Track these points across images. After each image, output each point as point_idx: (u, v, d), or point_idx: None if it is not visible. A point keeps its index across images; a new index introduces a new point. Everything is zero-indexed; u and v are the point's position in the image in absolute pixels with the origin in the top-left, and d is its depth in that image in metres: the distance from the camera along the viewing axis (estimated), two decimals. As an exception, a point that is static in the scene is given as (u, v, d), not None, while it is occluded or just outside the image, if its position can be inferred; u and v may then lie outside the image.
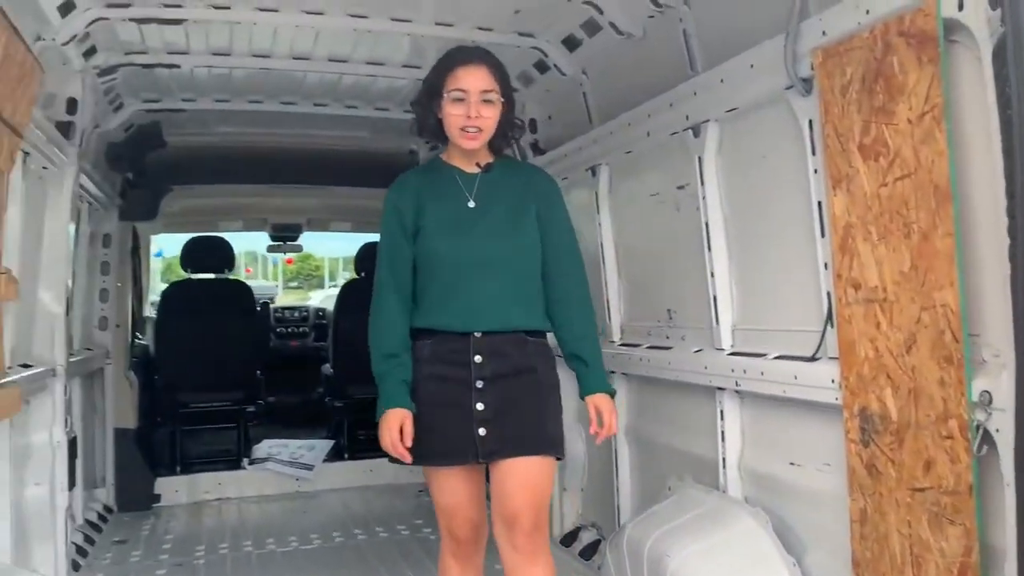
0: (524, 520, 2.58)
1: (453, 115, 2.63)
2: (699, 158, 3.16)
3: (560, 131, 4.36)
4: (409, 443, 2.58)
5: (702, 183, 3.18)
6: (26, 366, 3.58)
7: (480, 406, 2.61)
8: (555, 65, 4.00)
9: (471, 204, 2.69)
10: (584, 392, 2.75)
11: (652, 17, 3.32)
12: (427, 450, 2.62)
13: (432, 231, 2.67)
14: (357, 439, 6.34)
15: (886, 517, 2.36)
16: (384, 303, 2.70)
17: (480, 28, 3.80)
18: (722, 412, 3.16)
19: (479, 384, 2.62)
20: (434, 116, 2.70)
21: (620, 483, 3.97)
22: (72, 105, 3.95)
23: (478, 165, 2.74)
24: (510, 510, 2.59)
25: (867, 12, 2.27)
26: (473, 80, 2.62)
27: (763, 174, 2.93)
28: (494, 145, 2.77)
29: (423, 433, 2.61)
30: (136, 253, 6.22)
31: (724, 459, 3.14)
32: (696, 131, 3.16)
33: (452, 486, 2.69)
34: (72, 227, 4.50)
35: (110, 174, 5.36)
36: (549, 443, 2.66)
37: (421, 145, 5.89)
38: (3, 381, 3.00)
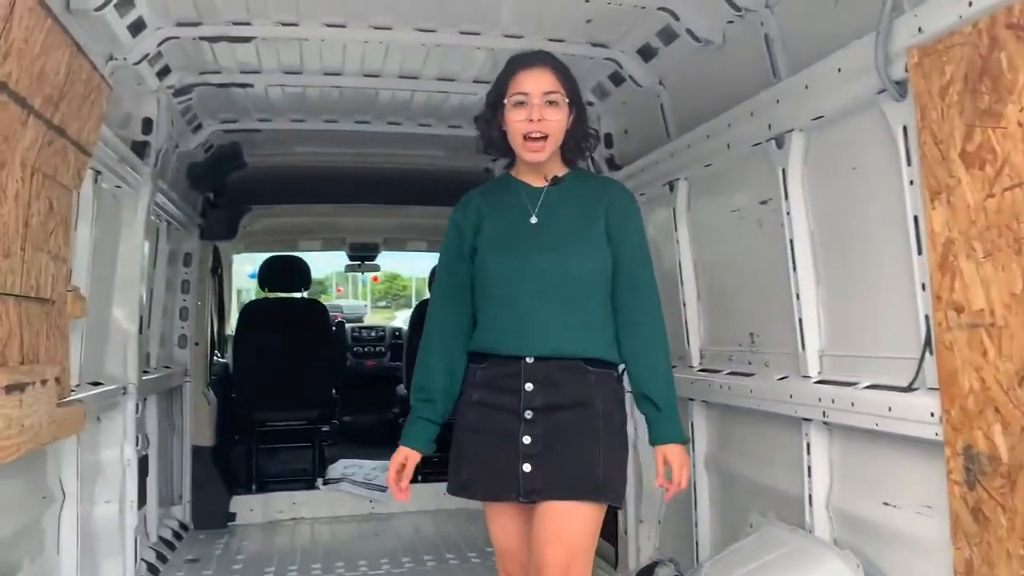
0: (550, 575, 2.31)
1: (515, 122, 2.44)
2: (783, 170, 2.95)
3: (636, 145, 4.19)
4: (405, 484, 2.52)
5: (786, 197, 2.96)
6: (96, 384, 3.60)
7: (527, 439, 2.39)
8: (630, 76, 3.84)
9: (533, 220, 2.49)
10: (654, 440, 2.47)
11: (731, 22, 3.13)
12: (468, 481, 2.45)
13: (487, 248, 2.49)
14: (431, 461, 6.21)
15: (995, 570, 2.08)
16: (427, 331, 2.58)
17: (551, 39, 3.66)
18: (808, 445, 2.91)
19: (528, 414, 2.40)
20: (498, 128, 2.51)
21: (699, 516, 3.74)
22: (148, 125, 4.00)
23: (546, 178, 2.54)
24: (538, 562, 2.33)
25: (969, 4, 2.04)
26: (534, 82, 2.43)
27: (853, 186, 2.69)
28: (566, 157, 2.57)
29: (465, 462, 2.45)
30: (216, 272, 6.30)
31: (810, 496, 2.89)
32: (779, 141, 2.94)
33: (502, 524, 2.51)
34: (148, 246, 4.55)
35: (191, 194, 5.44)
36: (598, 488, 2.37)
37: (497, 163, 5.80)
38: (69, 399, 3.00)
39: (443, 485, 2.49)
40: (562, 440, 2.39)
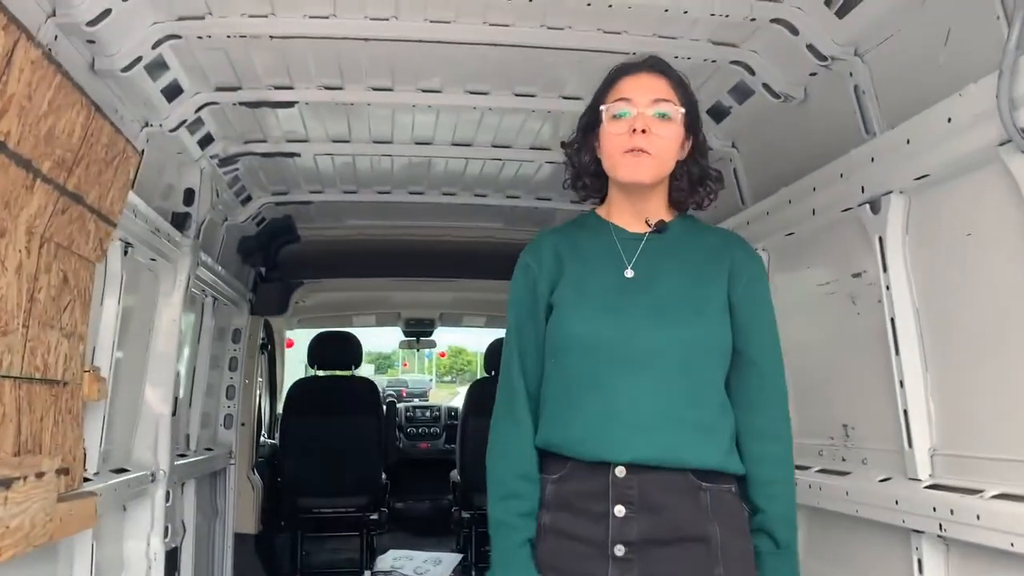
0: None
1: (613, 135, 1.86)
2: (880, 239, 2.56)
3: (706, 213, 3.80)
4: None
5: (884, 269, 2.56)
6: (121, 471, 3.33)
7: None
8: (700, 139, 3.51)
9: (628, 273, 1.89)
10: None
11: (815, 75, 2.80)
12: None
13: (568, 306, 1.88)
14: (485, 554, 5.81)
15: None
16: (506, 417, 1.95)
17: (613, 100, 3.39)
18: (920, 562, 2.44)
19: (619, 551, 1.78)
20: (590, 152, 1.95)
21: (786, 636, 3.24)
22: (189, 196, 3.83)
23: (648, 223, 1.95)
24: None
25: (1122, 32, 1.67)
26: (641, 88, 1.87)
27: (967, 255, 2.29)
28: (674, 198, 1.98)
29: None
30: (266, 348, 6.10)
31: (925, 624, 2.42)
32: (875, 206, 2.56)
33: None
34: (189, 320, 4.36)
35: (242, 268, 5.28)
36: None
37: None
38: (80, 491, 2.73)
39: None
40: None
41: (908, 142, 2.36)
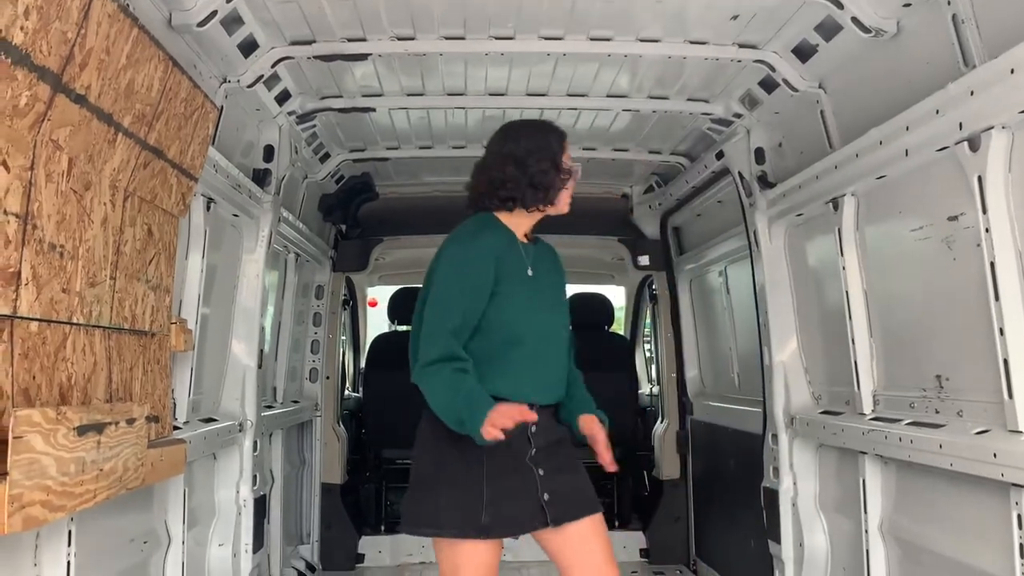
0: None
1: (569, 189, 2.80)
2: (979, 178, 2.41)
3: (792, 160, 3.69)
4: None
5: (984, 211, 2.41)
6: (210, 420, 3.45)
7: (541, 472, 2.68)
8: (784, 80, 3.36)
9: (529, 272, 2.74)
10: (581, 412, 2.85)
11: (908, 5, 2.64)
12: (496, 521, 2.60)
13: (511, 294, 2.67)
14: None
15: None
16: (451, 357, 2.64)
17: (693, 41, 3.29)
18: (1020, 517, 2.33)
19: (533, 452, 2.68)
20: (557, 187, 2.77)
21: (874, 592, 3.15)
22: (269, 152, 3.88)
23: (527, 237, 2.82)
24: (599, 563, 2.74)
25: None
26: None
27: (1078, 194, 2.14)
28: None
29: (490, 504, 2.59)
30: (348, 304, 6.18)
31: (1024, 582, 2.31)
32: (974, 143, 2.41)
33: (488, 562, 2.65)
34: (272, 277, 4.45)
35: (324, 226, 5.35)
36: (597, 503, 2.83)
37: (635, 189, 5.43)
38: (170, 438, 2.83)
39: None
40: (561, 470, 2.73)
41: (1012, 71, 2.20)
